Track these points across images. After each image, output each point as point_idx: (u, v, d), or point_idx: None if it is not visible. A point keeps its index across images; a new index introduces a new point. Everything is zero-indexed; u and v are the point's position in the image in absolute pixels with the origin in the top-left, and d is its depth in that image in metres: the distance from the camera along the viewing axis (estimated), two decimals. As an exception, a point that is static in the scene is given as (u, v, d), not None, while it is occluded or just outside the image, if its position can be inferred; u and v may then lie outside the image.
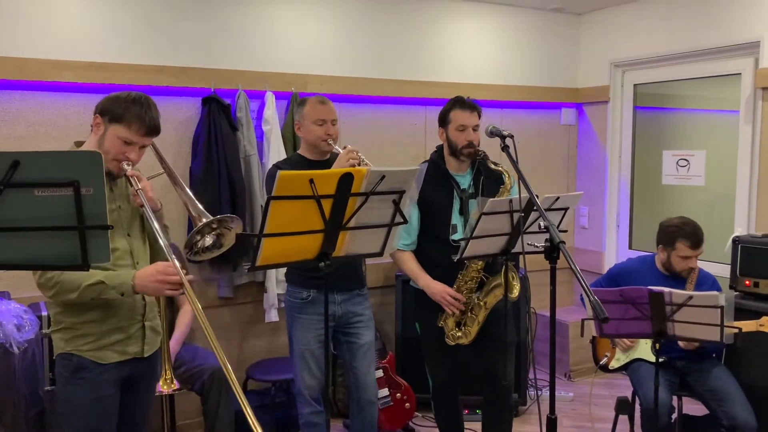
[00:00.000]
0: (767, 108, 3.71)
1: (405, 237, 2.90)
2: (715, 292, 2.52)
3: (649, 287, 2.60)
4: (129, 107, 2.02)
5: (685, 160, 4.28)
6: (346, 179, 1.98)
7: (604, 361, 3.32)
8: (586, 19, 4.81)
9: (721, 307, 2.47)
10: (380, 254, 2.25)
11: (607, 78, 4.66)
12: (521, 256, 2.51)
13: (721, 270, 3.71)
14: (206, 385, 3.07)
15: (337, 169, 2.31)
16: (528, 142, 4.70)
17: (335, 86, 3.87)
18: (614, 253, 4.75)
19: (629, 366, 3.23)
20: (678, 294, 2.54)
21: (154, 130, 2.07)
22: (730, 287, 3.40)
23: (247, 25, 3.70)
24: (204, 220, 2.03)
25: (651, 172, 4.53)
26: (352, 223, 2.08)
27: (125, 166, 2.04)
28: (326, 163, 2.79)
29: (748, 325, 2.84)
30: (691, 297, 2.51)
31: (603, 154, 4.77)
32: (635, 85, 4.59)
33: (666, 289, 2.56)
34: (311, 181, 1.89)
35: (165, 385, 2.43)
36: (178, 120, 3.56)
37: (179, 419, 3.43)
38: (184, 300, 3.25)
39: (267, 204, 1.88)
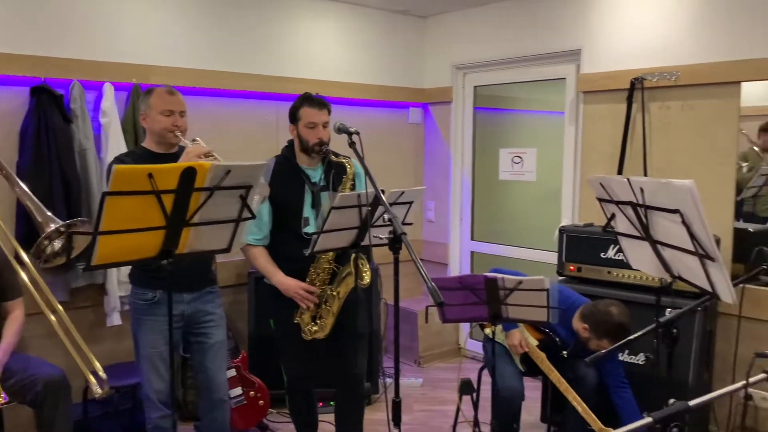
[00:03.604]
0: (588, 110, 4.12)
1: (256, 232, 2.89)
2: (541, 277, 2.77)
3: (485, 274, 2.80)
4: None
5: (519, 157, 4.63)
6: (189, 174, 1.93)
7: (485, 323, 3.40)
8: (431, 22, 5.04)
9: (547, 290, 2.72)
10: (227, 250, 2.22)
11: (450, 79, 4.92)
12: (372, 249, 2.61)
13: (550, 257, 4.08)
14: (40, 396, 2.84)
15: (179, 163, 2.25)
16: (378, 140, 4.84)
17: (181, 78, 3.74)
18: (458, 245, 5.04)
19: (491, 344, 3.35)
20: (510, 279, 2.76)
21: None
22: (557, 273, 3.73)
23: (84, 12, 3.47)
24: (52, 226, 1.90)
25: (490, 168, 4.86)
26: (196, 219, 2.04)
27: None
28: (174, 157, 2.69)
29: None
30: (521, 282, 2.74)
31: (447, 152, 5.03)
32: (475, 87, 4.89)
33: (499, 275, 2.77)
34: (150, 175, 1.83)
35: (-9, 400, 2.23)
36: (2, 111, 3.26)
37: (9, 436, 3.16)
38: (13, 306, 2.99)
39: (102, 200, 1.79)
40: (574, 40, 4.13)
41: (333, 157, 2.83)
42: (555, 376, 3.04)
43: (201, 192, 1.99)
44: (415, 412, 4.00)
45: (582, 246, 3.61)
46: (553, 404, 3.50)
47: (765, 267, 2.39)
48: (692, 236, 1.75)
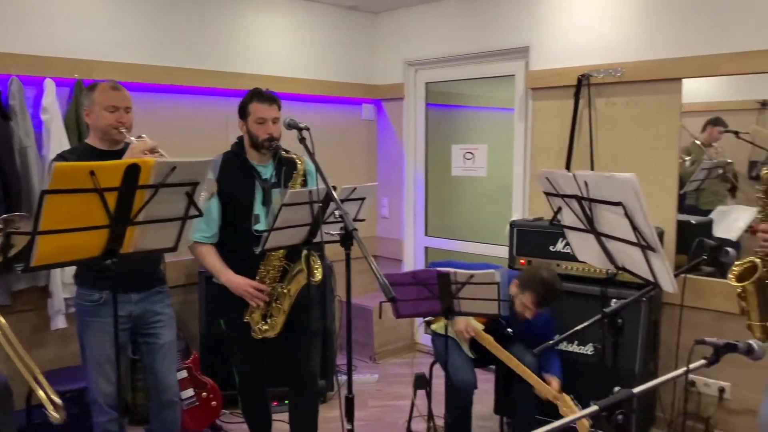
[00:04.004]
0: (537, 106, 4.19)
1: (205, 229, 2.84)
2: (492, 270, 2.80)
3: (437, 268, 2.82)
4: None
5: (470, 153, 4.68)
6: (133, 171, 1.89)
7: (429, 318, 3.45)
8: (382, 18, 5.04)
9: (497, 284, 2.76)
10: (174, 249, 2.18)
11: (402, 76, 4.93)
12: (325, 246, 2.59)
13: (502, 251, 4.13)
14: (-22, 405, 2.74)
15: (122, 160, 2.19)
16: (331, 136, 4.83)
17: (127, 74, 3.64)
18: (412, 240, 5.06)
19: (440, 336, 3.38)
20: (461, 273, 2.79)
21: None
22: (509, 266, 3.79)
23: (21, 3, 3.34)
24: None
25: (442, 164, 4.90)
26: (141, 217, 1.99)
27: None
28: (119, 154, 2.62)
29: (530, 377, 3.08)
30: (472, 275, 2.77)
31: (400, 148, 5.05)
32: (427, 84, 4.92)
33: (451, 270, 2.79)
34: (92, 172, 1.78)
35: None
36: (-65, 107, 3.13)
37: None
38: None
39: (41, 198, 1.74)
40: (522, 38, 4.19)
41: (283, 153, 2.80)
42: (504, 354, 3.10)
43: (145, 189, 1.95)
44: (370, 408, 4.01)
45: (532, 240, 3.68)
46: (506, 395, 3.56)
47: (705, 258, 2.47)
48: (634, 228, 1.80)
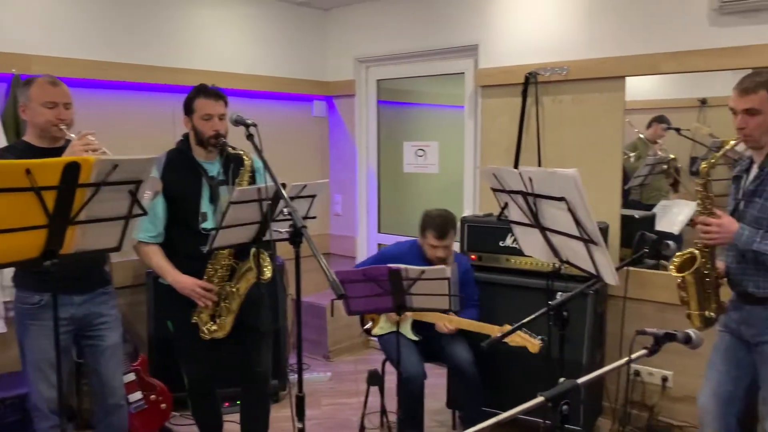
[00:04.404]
0: (486, 104, 4.24)
1: (150, 229, 2.78)
2: (443, 267, 2.83)
3: (389, 265, 2.83)
4: None
5: (422, 150, 4.72)
6: (72, 169, 1.83)
7: (368, 325, 3.51)
8: (332, 15, 5.02)
9: (448, 279, 2.79)
10: (118, 249, 2.13)
11: (353, 73, 4.92)
12: (276, 244, 2.56)
13: (454, 247, 4.17)
14: None
15: (61, 157, 2.12)
16: (282, 133, 4.79)
17: (67, 69, 3.52)
18: (365, 237, 5.07)
19: (385, 337, 3.45)
20: (413, 269, 2.80)
21: None
22: (460, 262, 3.83)
23: (-50, -5, 3.21)
24: None
25: (394, 161, 4.92)
26: (82, 217, 1.93)
27: None
28: (59, 151, 2.53)
29: (490, 329, 3.16)
30: (423, 271, 2.79)
31: (352, 145, 5.04)
32: (378, 81, 4.92)
33: (403, 266, 2.81)
34: (28, 171, 1.72)
35: None
36: None
37: None
38: None
39: (-27, 198, 1.67)
40: (471, 36, 4.24)
41: (230, 150, 2.76)
42: (443, 319, 3.20)
43: (86, 188, 1.90)
44: (323, 406, 4.00)
45: (482, 235, 3.72)
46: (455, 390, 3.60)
47: (647, 251, 2.55)
48: (577, 222, 1.84)
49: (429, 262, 3.34)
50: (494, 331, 3.07)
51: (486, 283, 3.57)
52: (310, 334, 4.80)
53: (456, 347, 3.31)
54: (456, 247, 3.95)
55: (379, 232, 5.04)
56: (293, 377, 4.23)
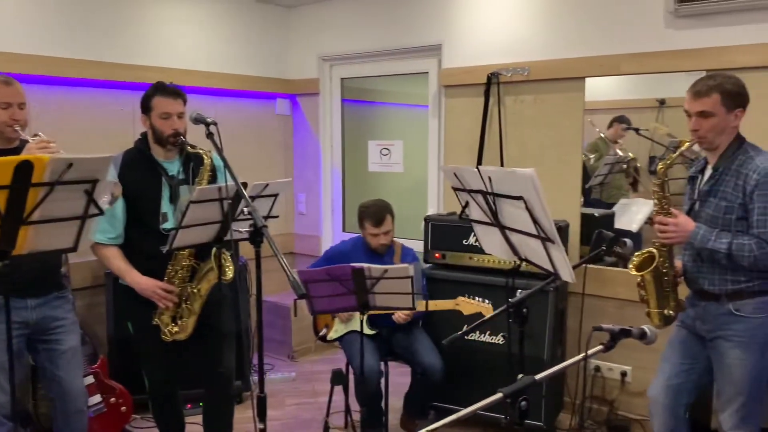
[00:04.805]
0: (450, 104, 4.26)
1: (109, 230, 2.72)
2: (405, 265, 2.84)
3: (352, 264, 2.83)
4: None
5: (387, 149, 4.72)
6: (25, 168, 1.79)
7: (323, 332, 3.52)
8: (295, 13, 4.99)
9: (411, 277, 2.80)
10: (74, 249, 2.08)
11: (317, 71, 4.90)
12: (239, 244, 2.54)
13: (419, 246, 4.19)
14: None
15: (12, 156, 2.07)
16: (245, 131, 4.74)
17: (20, 65, 3.43)
18: (330, 236, 5.05)
19: (344, 338, 3.48)
20: (376, 268, 2.81)
21: None
22: (424, 260, 3.85)
23: None
24: None
25: (359, 160, 4.91)
26: (35, 217, 1.89)
27: None
28: (14, 152, 2.47)
29: (445, 304, 3.26)
30: (386, 270, 2.80)
31: (317, 144, 5.02)
32: (342, 79, 4.91)
33: (365, 265, 2.81)
34: (-23, 170, 1.67)
35: None
36: None
37: None
38: None
39: None
40: (435, 35, 4.26)
41: (189, 149, 2.73)
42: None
43: (40, 187, 1.85)
44: (288, 407, 3.98)
45: (446, 234, 3.75)
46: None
47: (604, 249, 2.60)
48: (535, 221, 1.87)
49: (375, 252, 3.45)
50: (448, 305, 3.22)
51: (450, 281, 3.60)
52: (275, 334, 4.77)
53: (426, 352, 3.33)
54: (419, 245, 3.98)
55: (344, 231, 5.04)
56: (256, 378, 4.21)
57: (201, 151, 2.73)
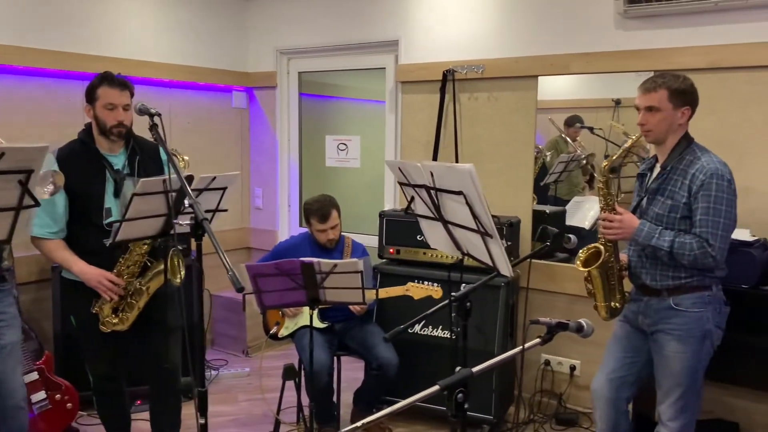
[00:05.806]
0: (407, 99, 4.27)
1: (50, 224, 2.66)
2: (355, 259, 2.84)
3: (301, 259, 2.81)
4: None
5: (344, 144, 4.71)
6: (-48, 157, 1.73)
7: (274, 330, 3.51)
8: (253, 4, 4.94)
9: (361, 272, 2.80)
10: (8, 241, 2.02)
11: (274, 64, 4.86)
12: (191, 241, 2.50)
13: (375, 241, 4.19)
14: None
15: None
16: (200, 124, 4.68)
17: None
18: (286, 231, 5.02)
19: (295, 333, 3.48)
20: (325, 263, 2.80)
21: None
22: (379, 256, 3.85)
23: None
24: None
25: (316, 155, 4.89)
26: (-36, 208, 1.83)
27: None
28: None
29: (396, 291, 3.27)
30: (336, 265, 2.79)
31: (274, 138, 4.98)
32: (300, 73, 4.88)
33: (315, 260, 2.80)
34: None
35: None
36: None
37: None
38: None
39: None
40: (392, 31, 4.26)
41: (140, 140, 2.67)
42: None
43: (-32, 177, 1.79)
44: (241, 402, 3.94)
45: (400, 229, 3.76)
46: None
47: (548, 244, 2.64)
48: (474, 215, 1.89)
49: (324, 248, 3.46)
50: (398, 291, 3.26)
51: (405, 277, 3.60)
52: (229, 330, 4.72)
53: (382, 347, 3.34)
54: (374, 240, 3.98)
55: (300, 225, 5.01)
56: (210, 374, 4.18)
57: (151, 142, 2.68)
